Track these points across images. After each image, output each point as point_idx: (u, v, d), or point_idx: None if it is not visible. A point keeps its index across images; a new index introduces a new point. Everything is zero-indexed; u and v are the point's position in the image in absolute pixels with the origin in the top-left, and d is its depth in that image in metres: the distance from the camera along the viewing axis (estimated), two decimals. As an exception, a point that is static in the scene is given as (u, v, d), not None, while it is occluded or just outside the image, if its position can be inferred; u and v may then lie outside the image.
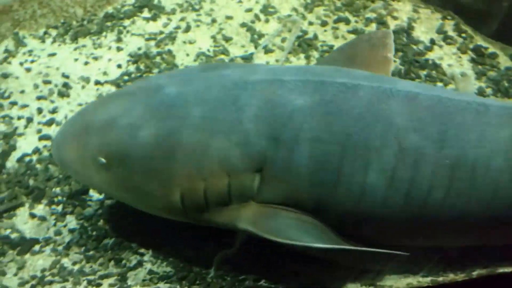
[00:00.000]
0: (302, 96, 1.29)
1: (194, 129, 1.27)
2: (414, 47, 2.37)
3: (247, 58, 2.30)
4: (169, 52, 2.35)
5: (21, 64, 2.32)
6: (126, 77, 2.22)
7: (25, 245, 1.58)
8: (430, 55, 2.32)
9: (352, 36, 2.43)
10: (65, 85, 2.20)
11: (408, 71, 2.26)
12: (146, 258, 1.52)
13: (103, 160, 1.29)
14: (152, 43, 2.40)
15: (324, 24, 2.50)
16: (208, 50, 2.37)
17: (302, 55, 2.32)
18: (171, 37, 2.43)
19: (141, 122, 1.29)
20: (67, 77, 2.24)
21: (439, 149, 1.26)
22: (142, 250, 1.54)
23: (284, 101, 1.29)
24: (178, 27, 2.49)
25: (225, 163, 1.28)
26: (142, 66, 2.27)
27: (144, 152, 1.28)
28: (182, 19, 2.54)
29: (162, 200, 1.32)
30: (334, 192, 1.28)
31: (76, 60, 2.32)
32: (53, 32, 2.50)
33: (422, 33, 2.45)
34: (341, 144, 1.26)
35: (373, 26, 2.48)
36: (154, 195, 1.31)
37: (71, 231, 1.63)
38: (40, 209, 1.70)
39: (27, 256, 1.56)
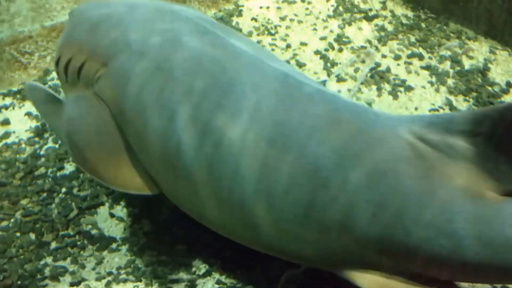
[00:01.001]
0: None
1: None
2: (489, 88, 2.35)
3: (320, 85, 2.37)
4: (245, 73, 2.46)
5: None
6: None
7: (103, 242, 1.69)
8: (506, 98, 2.29)
9: (425, 73, 2.44)
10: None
11: (481, 111, 2.23)
12: (215, 268, 1.58)
13: None
14: (229, 63, 2.52)
15: (397, 58, 2.53)
16: (282, 74, 2.45)
17: (374, 87, 2.35)
18: (247, 59, 2.54)
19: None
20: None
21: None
22: (211, 260, 1.60)
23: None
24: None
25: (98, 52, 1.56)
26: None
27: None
28: (258, 42, 2.65)
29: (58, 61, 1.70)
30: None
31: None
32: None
33: (498, 75, 2.42)
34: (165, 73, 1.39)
35: (447, 64, 2.49)
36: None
37: (146, 234, 1.72)
38: (119, 210, 1.81)
39: (105, 252, 1.67)
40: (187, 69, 1.37)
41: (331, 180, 1.23)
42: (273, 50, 2.61)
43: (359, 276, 1.31)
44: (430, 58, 2.53)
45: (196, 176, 1.32)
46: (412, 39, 2.66)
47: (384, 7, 2.93)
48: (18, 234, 1.71)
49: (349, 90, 2.34)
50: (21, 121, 2.27)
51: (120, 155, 1.51)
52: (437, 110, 2.23)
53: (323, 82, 2.38)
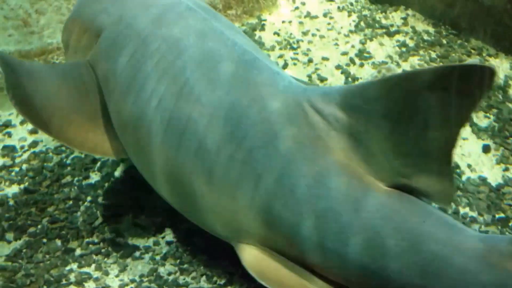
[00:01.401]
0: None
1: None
2: (510, 105, 2.34)
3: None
4: (266, 86, 2.50)
5: None
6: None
7: (127, 250, 1.72)
8: (528, 115, 2.28)
9: (447, 88, 2.44)
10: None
11: (502, 128, 2.22)
12: (236, 277, 1.60)
13: None
14: (251, 76, 2.57)
15: (418, 73, 2.53)
16: (303, 88, 2.48)
17: (395, 102, 2.36)
18: (269, 73, 2.58)
19: None
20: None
21: None
22: (232, 269, 1.62)
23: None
24: (276, 64, 2.64)
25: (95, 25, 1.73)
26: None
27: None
28: (280, 56, 2.69)
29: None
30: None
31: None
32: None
33: (520, 91, 2.42)
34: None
35: (469, 80, 2.48)
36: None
37: (168, 243, 1.75)
38: (142, 219, 1.84)
39: (128, 260, 1.70)
40: (160, 44, 1.51)
41: (224, 147, 1.34)
42: (295, 64, 2.64)
43: (242, 248, 1.41)
44: (451, 74, 2.53)
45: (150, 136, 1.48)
46: (433, 55, 2.67)
47: (405, 23, 2.94)
48: (44, 240, 1.76)
49: (370, 105, 2.35)
50: (49, 130, 2.34)
51: (95, 121, 1.64)
52: (459, 126, 2.22)
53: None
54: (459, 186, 1.96)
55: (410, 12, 3.01)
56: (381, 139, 1.21)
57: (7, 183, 1.99)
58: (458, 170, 2.04)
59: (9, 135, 2.27)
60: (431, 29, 2.89)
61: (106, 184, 1.99)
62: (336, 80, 2.52)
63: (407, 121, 1.17)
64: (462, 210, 1.86)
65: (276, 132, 1.31)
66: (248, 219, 1.36)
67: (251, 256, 1.40)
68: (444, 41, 2.78)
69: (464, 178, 2.00)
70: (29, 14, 2.78)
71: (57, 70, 1.81)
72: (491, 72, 1.08)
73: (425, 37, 2.82)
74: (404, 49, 2.72)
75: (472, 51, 2.69)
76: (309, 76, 2.54)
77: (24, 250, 1.72)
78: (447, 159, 1.21)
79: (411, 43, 2.77)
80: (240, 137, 1.34)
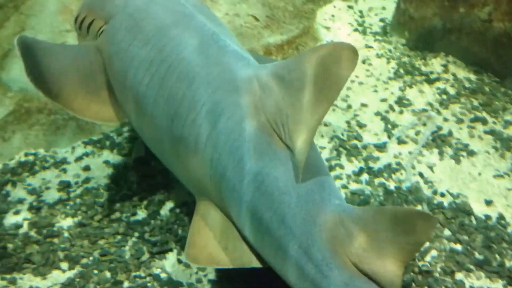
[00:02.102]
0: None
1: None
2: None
3: (380, 147, 2.42)
4: (307, 130, 2.57)
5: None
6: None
7: (171, 286, 1.79)
8: None
9: (489, 137, 2.44)
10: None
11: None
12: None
13: None
14: (292, 120, 2.65)
15: (459, 121, 2.55)
16: (342, 134, 2.54)
17: (435, 150, 2.38)
18: (309, 117, 2.65)
19: None
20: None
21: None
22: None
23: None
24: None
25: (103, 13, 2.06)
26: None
27: None
28: (320, 102, 2.77)
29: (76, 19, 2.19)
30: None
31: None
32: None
33: None
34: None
35: (512, 129, 2.48)
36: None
37: (210, 281, 1.80)
38: (186, 256, 1.91)
39: (172, 296, 1.76)
40: (153, 31, 1.85)
41: (188, 108, 1.66)
42: (333, 110, 2.70)
43: (199, 203, 1.70)
44: (494, 122, 2.53)
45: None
46: (475, 103, 2.68)
47: (445, 70, 2.98)
48: (95, 271, 1.86)
49: (410, 153, 2.38)
50: (100, 168, 2.48)
51: (98, 94, 2.01)
52: (502, 177, 2.21)
53: (384, 144, 2.44)
54: (504, 237, 1.93)
55: (450, 58, 3.05)
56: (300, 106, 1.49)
57: (62, 216, 2.12)
58: (503, 222, 2.01)
59: (65, 171, 2.43)
60: (472, 76, 2.92)
61: (152, 221, 2.08)
62: (375, 127, 2.57)
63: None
64: (508, 263, 1.83)
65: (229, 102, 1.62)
66: (203, 180, 1.66)
67: (204, 207, 1.68)
68: (487, 89, 2.79)
69: (509, 230, 1.97)
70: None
71: (69, 50, 2.17)
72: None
73: (467, 84, 2.85)
74: (444, 96, 2.75)
75: (516, 99, 2.69)
76: (348, 122, 2.60)
77: (77, 280, 1.82)
78: None
79: (452, 91, 2.80)
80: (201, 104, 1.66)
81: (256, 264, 1.56)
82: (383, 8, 3.79)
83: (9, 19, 3.26)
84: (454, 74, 2.93)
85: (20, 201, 2.20)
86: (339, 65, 1.44)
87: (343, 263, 1.39)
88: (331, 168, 2.31)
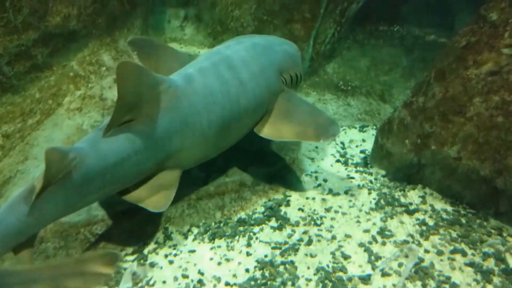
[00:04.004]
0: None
1: None
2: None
3: (365, 279, 2.45)
4: (292, 263, 2.61)
5: (165, 256, 2.73)
6: (252, 282, 2.47)
7: None
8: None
9: (469, 269, 2.49)
10: (200, 281, 2.51)
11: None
12: None
13: None
14: (277, 252, 2.70)
15: (440, 253, 2.62)
16: (327, 266, 2.58)
17: (418, 283, 2.41)
18: (294, 249, 2.71)
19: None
20: (202, 274, 2.57)
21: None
22: None
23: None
24: (301, 240, 2.79)
25: None
26: (267, 273, 2.53)
27: None
28: (305, 232, 2.86)
29: None
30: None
31: (211, 259, 2.68)
32: (195, 230, 2.94)
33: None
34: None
35: (491, 261, 2.54)
36: None
37: None
38: None
39: None
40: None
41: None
42: (319, 241, 2.78)
43: None
44: (473, 254, 2.60)
45: None
46: (454, 234, 2.78)
47: (423, 201, 3.13)
48: None
49: (394, 285, 2.40)
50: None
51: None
52: (485, 312, 2.21)
53: (368, 276, 2.47)
54: None
55: (427, 190, 3.22)
56: None
57: None
58: None
59: None
60: (449, 208, 3.06)
61: None
62: (359, 258, 2.62)
63: None
64: None
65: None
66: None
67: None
68: (463, 220, 2.91)
69: None
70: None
71: (176, 54, 3.38)
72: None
73: (444, 215, 2.97)
74: (424, 227, 2.85)
75: (492, 231, 2.79)
76: (333, 253, 2.66)
77: None
78: None
79: (430, 222, 2.91)
80: None
81: None
82: (363, 140, 4.09)
83: (14, 148, 3.47)
84: (432, 205, 3.08)
85: None
86: None
87: None
88: (316, 303, 2.30)
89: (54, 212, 2.25)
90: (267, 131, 3.01)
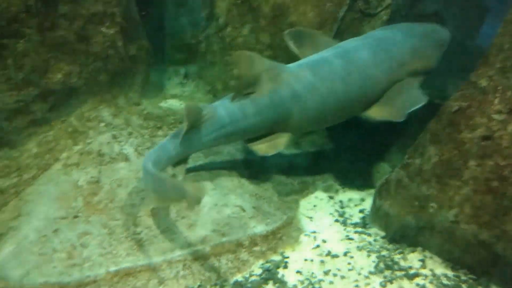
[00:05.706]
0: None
1: None
2: None
3: None
4: (290, 332, 2.51)
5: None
6: None
7: None
8: None
9: None
10: None
11: None
12: None
13: None
14: (275, 319, 2.61)
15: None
16: (326, 335, 2.48)
17: None
18: (292, 316, 2.62)
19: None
20: None
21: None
22: None
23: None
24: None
25: None
26: None
27: None
28: (303, 298, 2.78)
29: None
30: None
31: (206, 326, 2.57)
32: (189, 294, 2.85)
33: None
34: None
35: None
36: None
37: None
38: None
39: None
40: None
41: None
42: (317, 307, 2.70)
43: None
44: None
45: None
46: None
47: (423, 265, 3.07)
48: None
49: None
50: None
51: None
52: None
53: None
54: None
55: (427, 253, 3.17)
56: None
57: None
58: None
59: None
60: (449, 273, 2.99)
61: None
62: (360, 328, 2.53)
63: None
64: None
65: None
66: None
67: None
68: (464, 287, 2.84)
69: None
70: (74, 247, 3.05)
71: (326, 43, 3.88)
72: None
73: (445, 281, 2.91)
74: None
75: (494, 298, 2.73)
76: (332, 322, 2.57)
77: None
78: None
79: (431, 287, 2.84)
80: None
81: None
82: (362, 200, 4.07)
83: (7, 204, 3.41)
84: (432, 270, 3.01)
85: None
86: None
87: None
88: None
89: (195, 146, 3.36)
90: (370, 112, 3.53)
